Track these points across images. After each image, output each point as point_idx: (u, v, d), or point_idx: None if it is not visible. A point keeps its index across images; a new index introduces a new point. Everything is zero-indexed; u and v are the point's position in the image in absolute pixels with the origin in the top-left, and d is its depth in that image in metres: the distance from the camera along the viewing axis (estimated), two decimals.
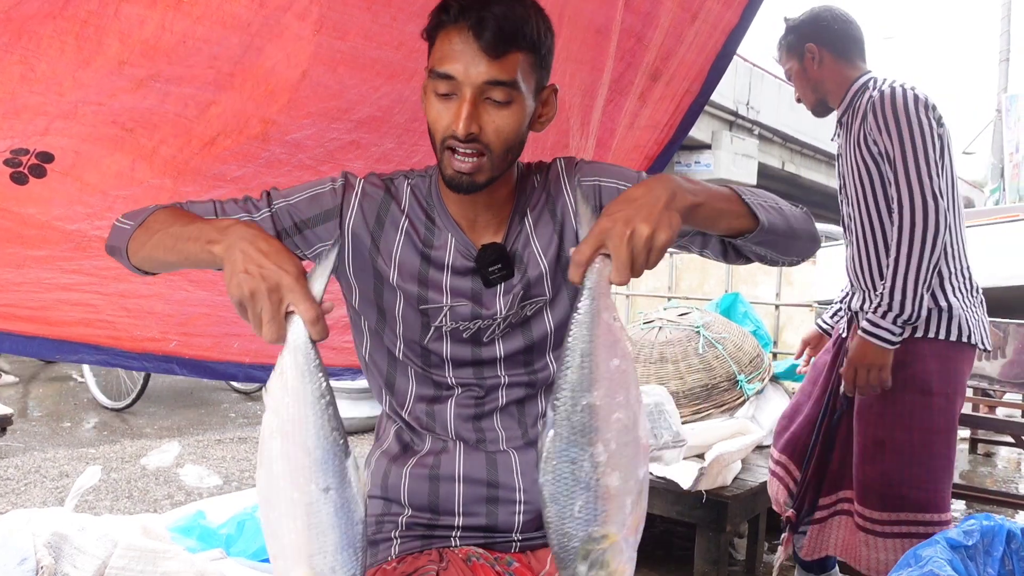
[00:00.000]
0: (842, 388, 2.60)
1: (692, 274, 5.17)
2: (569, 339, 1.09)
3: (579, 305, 1.10)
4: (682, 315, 4.21)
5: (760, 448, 3.69)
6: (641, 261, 1.10)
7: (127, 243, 1.34)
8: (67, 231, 1.73)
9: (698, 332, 4.03)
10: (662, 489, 3.16)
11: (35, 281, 1.80)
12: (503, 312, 1.44)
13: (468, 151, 1.29)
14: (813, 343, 3.10)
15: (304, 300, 1.06)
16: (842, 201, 2.64)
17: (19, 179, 1.68)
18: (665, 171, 2.80)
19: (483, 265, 1.41)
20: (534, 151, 2.30)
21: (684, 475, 3.09)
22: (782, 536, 2.81)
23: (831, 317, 3.02)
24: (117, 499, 4.43)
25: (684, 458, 3.23)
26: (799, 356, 3.14)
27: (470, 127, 1.27)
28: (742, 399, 3.82)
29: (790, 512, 2.76)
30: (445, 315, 1.43)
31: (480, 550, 1.44)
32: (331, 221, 1.42)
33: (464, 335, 1.45)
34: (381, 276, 1.44)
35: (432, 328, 1.45)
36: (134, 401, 6.61)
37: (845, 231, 2.65)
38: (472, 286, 1.43)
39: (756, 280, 4.94)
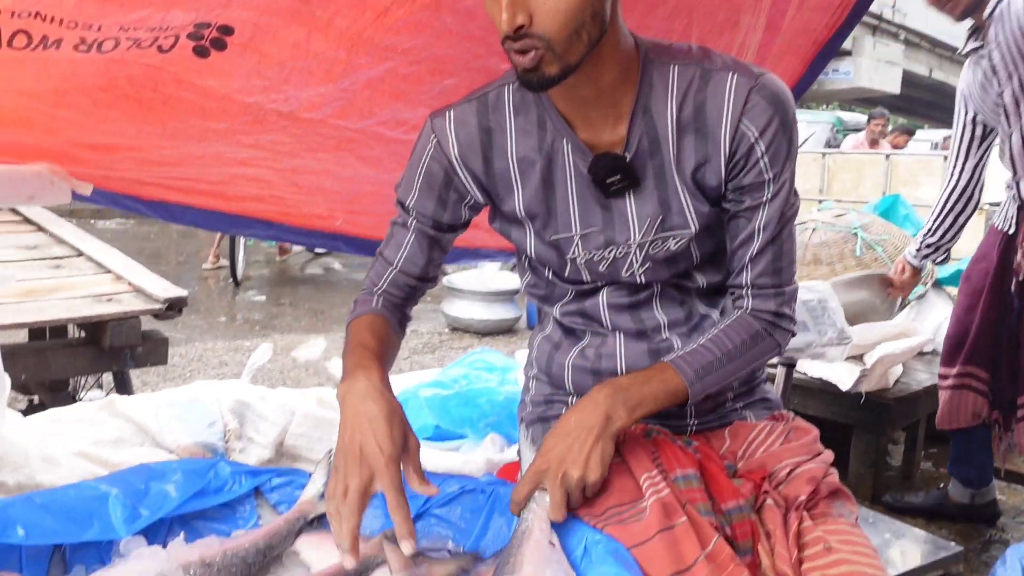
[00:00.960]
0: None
1: (846, 175, 4.87)
2: (503, 558, 1.17)
3: (517, 531, 1.21)
4: (838, 216, 4.00)
5: (921, 354, 3.52)
6: (576, 498, 1.23)
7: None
8: (246, 104, 1.75)
9: (855, 234, 3.83)
10: (817, 390, 3.06)
11: (215, 155, 1.84)
12: (638, 237, 1.33)
13: (522, 47, 1.14)
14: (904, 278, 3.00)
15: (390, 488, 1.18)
16: (999, 91, 2.57)
17: (201, 52, 1.70)
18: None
19: (599, 175, 1.29)
20: (701, 26, 2.16)
21: (843, 376, 2.97)
22: (994, 436, 2.76)
23: (916, 251, 2.98)
24: (273, 386, 4.68)
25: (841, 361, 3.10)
26: (898, 278, 3.00)
27: (514, 20, 1.11)
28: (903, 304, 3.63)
29: (994, 414, 2.72)
30: (576, 245, 1.36)
31: (658, 426, 1.40)
32: (453, 188, 1.38)
33: (601, 267, 1.37)
34: (508, 216, 1.39)
35: (568, 261, 1.38)
36: None
37: (1006, 118, 2.56)
38: (598, 201, 1.32)
39: (918, 181, 4.61)
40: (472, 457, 2.18)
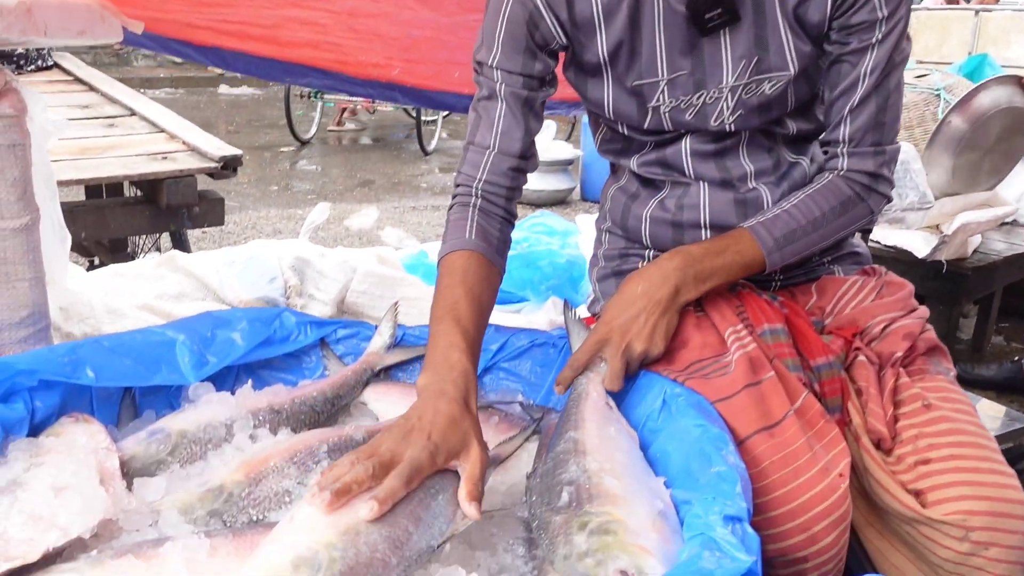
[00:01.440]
0: None
1: (929, 34, 4.55)
2: (563, 415, 1.13)
3: (573, 394, 1.18)
4: (919, 77, 3.75)
5: (1002, 225, 3.35)
6: (633, 370, 1.19)
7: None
8: None
9: (938, 95, 3.59)
10: (891, 258, 2.93)
11: None
12: (730, 80, 1.21)
13: None
14: None
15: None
16: None
17: None
18: None
19: (699, 8, 1.16)
20: None
21: (920, 244, 2.84)
22: None
23: None
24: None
25: (919, 228, 2.96)
26: None
27: None
28: None
29: None
30: (662, 92, 1.23)
31: (742, 280, 1.32)
32: (539, 33, 1.24)
33: (687, 115, 1.25)
34: (586, 65, 1.26)
35: (649, 110, 1.26)
36: None
37: None
38: (689, 42, 1.20)
39: (1008, 40, 4.29)
40: (534, 318, 2.14)
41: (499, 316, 2.28)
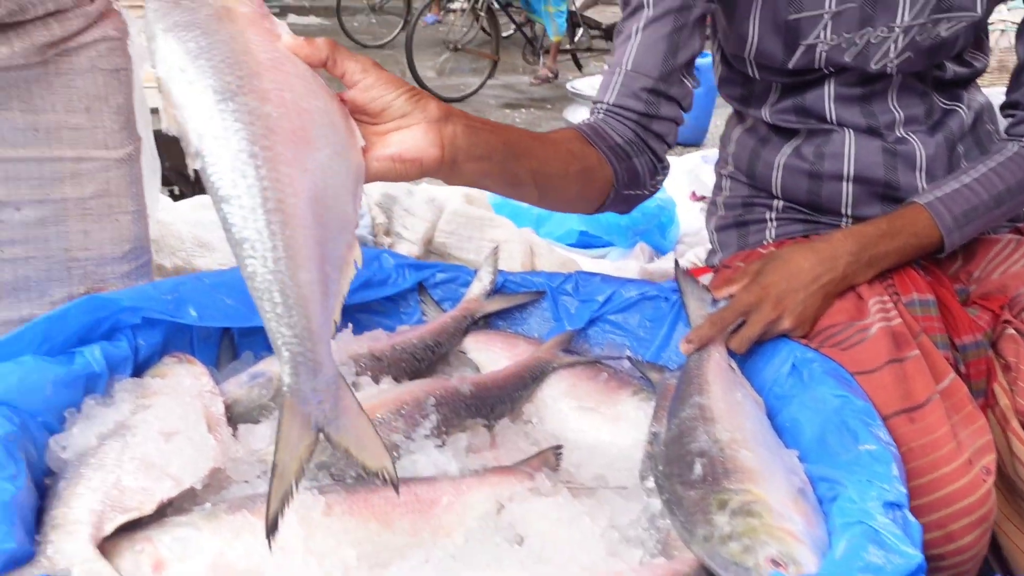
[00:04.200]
0: None
1: None
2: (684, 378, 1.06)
3: (691, 358, 1.10)
4: None
5: None
6: (766, 339, 1.10)
7: None
8: None
9: None
10: None
11: None
12: (905, 19, 1.10)
13: None
14: None
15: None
16: None
17: None
18: None
19: None
20: None
21: None
22: None
23: None
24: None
25: None
26: None
27: None
28: None
29: None
30: (824, 27, 1.11)
31: None
32: None
33: (847, 55, 1.13)
34: None
35: (800, 48, 1.13)
36: None
37: None
38: None
39: None
40: (625, 265, 2.06)
41: (586, 260, 2.21)
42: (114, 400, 0.98)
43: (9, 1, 0.96)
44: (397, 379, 1.20)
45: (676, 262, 1.25)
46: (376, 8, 8.17)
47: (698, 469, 0.90)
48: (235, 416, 1.08)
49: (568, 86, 5.68)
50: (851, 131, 1.19)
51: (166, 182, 2.99)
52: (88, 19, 1.05)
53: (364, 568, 0.82)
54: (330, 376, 0.77)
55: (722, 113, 2.88)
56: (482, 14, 8.02)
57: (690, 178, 2.72)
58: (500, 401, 1.16)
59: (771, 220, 1.28)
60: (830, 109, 1.19)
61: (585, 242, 2.42)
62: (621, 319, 1.33)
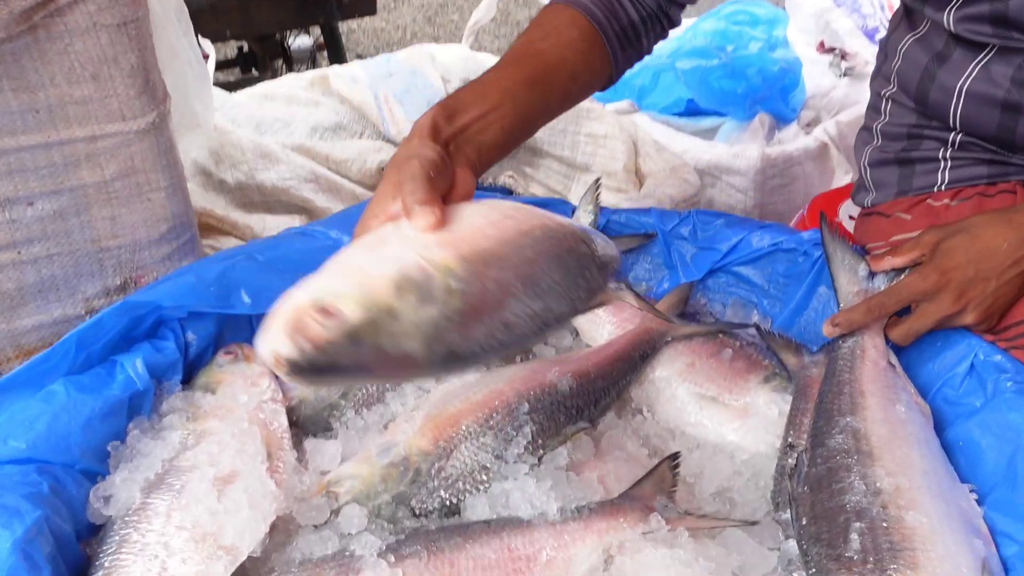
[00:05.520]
0: None
1: None
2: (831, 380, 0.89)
3: (843, 347, 0.91)
4: None
5: None
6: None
7: None
8: None
9: None
10: None
11: None
12: None
13: None
14: None
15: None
16: None
17: None
18: None
19: None
20: None
21: None
22: None
23: None
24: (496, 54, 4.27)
25: None
26: None
27: None
28: None
29: None
30: None
31: None
32: None
33: None
34: None
35: None
36: None
37: None
38: None
39: None
40: (744, 151, 1.78)
41: (686, 139, 1.93)
42: (162, 426, 0.85)
43: None
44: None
45: (822, 215, 1.00)
46: None
47: (855, 541, 0.72)
48: (301, 418, 0.95)
49: None
50: None
51: (226, 66, 2.73)
52: None
53: None
54: None
55: None
56: None
57: (818, 25, 2.33)
58: (605, 393, 0.99)
59: (945, 159, 1.00)
60: None
61: (692, 110, 2.13)
62: (748, 272, 1.12)
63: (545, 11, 0.99)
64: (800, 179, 1.81)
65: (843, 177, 1.84)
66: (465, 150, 0.84)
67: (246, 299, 0.96)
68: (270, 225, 1.45)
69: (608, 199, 1.50)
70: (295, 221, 1.49)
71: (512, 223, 0.74)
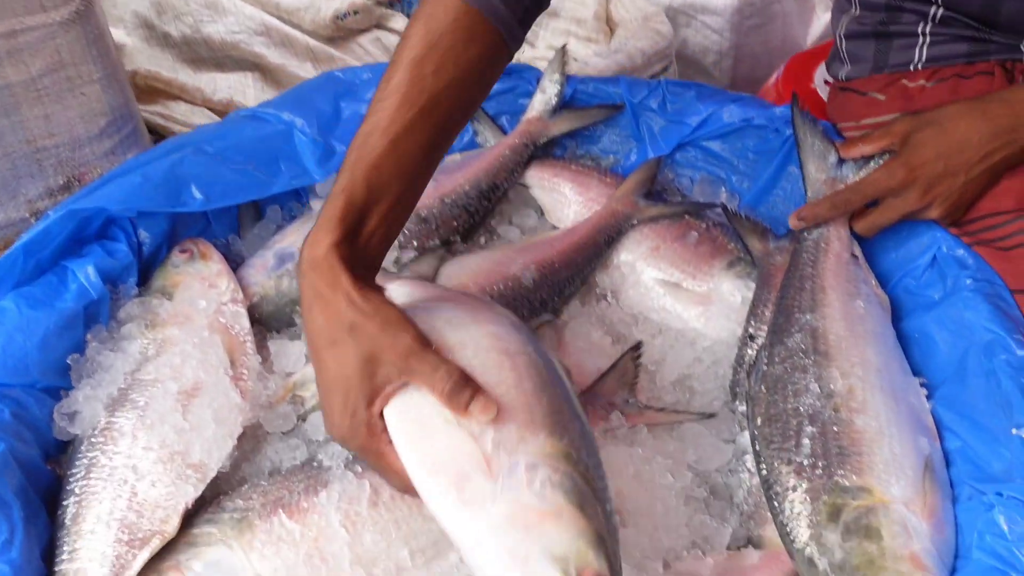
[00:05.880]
0: None
1: None
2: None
3: (808, 239, 0.90)
4: None
5: None
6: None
7: None
8: None
9: None
10: None
11: None
12: None
13: None
14: None
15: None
16: None
17: None
18: None
19: None
20: None
21: None
22: None
23: None
24: None
25: None
26: None
27: None
28: None
29: None
30: None
31: None
32: None
33: None
34: None
35: None
36: None
37: None
38: None
39: None
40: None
41: None
42: (121, 336, 0.84)
43: None
44: (448, 242, 1.02)
45: (794, 95, 0.96)
46: None
47: (806, 446, 0.75)
48: (264, 318, 0.94)
49: None
50: None
51: None
52: None
53: (420, 565, 0.74)
54: None
55: None
56: None
57: None
58: (569, 282, 0.99)
59: (924, 35, 0.95)
60: None
61: None
62: (718, 147, 1.09)
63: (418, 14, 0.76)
64: (779, 17, 1.72)
65: (823, 15, 1.76)
66: (373, 264, 0.72)
67: (197, 195, 0.92)
68: (221, 86, 1.37)
69: (577, 50, 1.43)
70: (248, 80, 1.41)
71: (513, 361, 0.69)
